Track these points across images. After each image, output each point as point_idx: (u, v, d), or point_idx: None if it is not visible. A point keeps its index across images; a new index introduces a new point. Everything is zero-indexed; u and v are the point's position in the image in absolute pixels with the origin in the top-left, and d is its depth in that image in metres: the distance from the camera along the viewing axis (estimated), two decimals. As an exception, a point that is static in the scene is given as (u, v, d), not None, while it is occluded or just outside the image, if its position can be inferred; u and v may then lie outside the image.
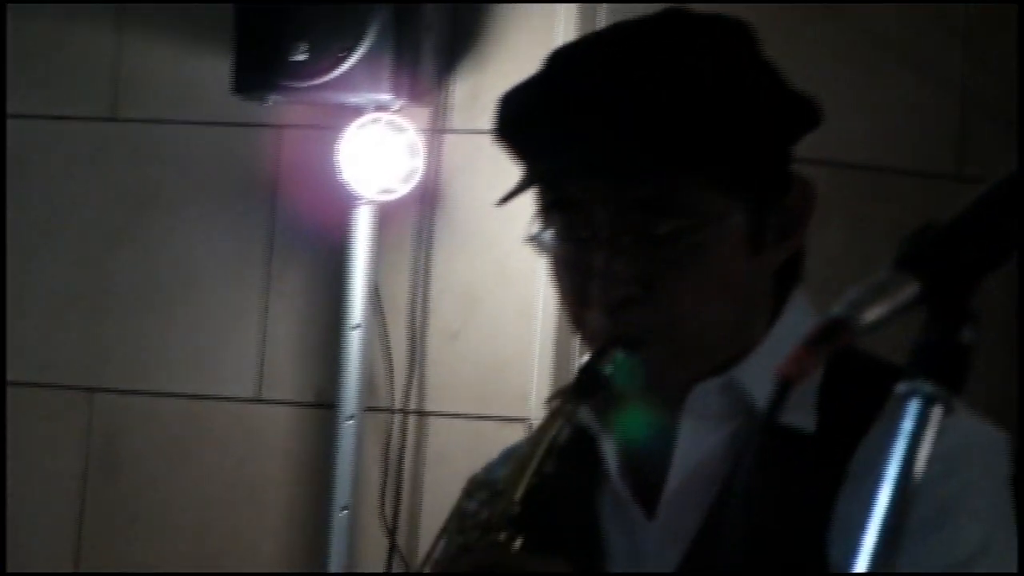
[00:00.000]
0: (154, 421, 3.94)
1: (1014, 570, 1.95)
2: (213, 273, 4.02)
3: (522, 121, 2.03)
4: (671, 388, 1.99)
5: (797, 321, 2.01)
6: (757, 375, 1.97)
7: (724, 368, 1.97)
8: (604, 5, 3.86)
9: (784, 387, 1.12)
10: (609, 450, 2.04)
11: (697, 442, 2.02)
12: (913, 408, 1.12)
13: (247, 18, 3.69)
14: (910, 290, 1.13)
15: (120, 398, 4.00)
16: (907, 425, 1.13)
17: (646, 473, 2.03)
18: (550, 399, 2.00)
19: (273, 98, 3.57)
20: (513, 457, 2.01)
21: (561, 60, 2.03)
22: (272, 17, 3.69)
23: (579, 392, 1.95)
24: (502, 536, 1.92)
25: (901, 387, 1.13)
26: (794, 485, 1.95)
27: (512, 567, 1.92)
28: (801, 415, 1.95)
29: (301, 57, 3.65)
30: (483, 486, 1.99)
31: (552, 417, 1.95)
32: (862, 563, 1.16)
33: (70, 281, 4.09)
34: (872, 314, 1.11)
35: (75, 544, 3.96)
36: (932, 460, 1.71)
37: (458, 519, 1.97)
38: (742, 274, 1.96)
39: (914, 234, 1.16)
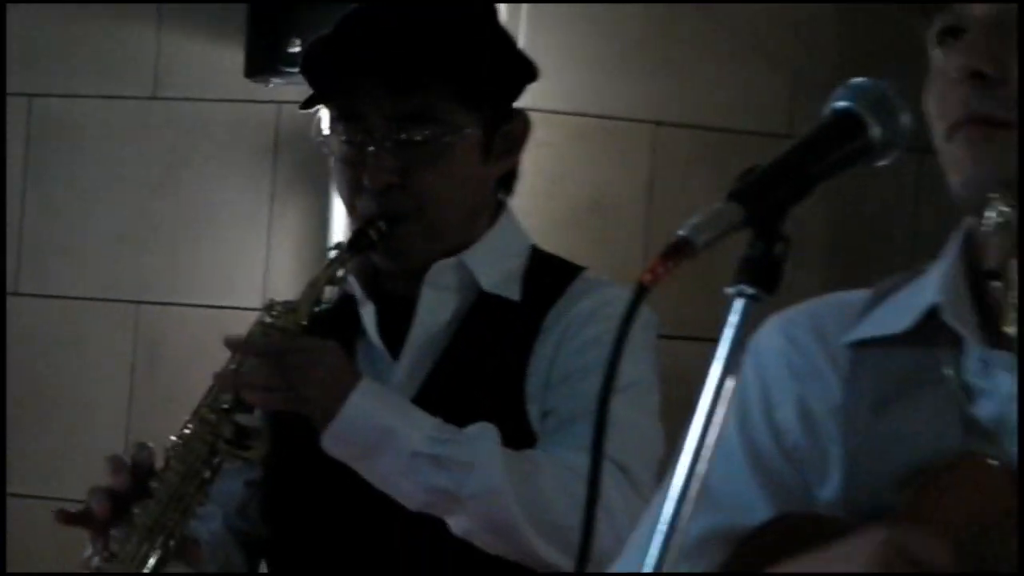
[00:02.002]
0: (186, 326, 4.24)
1: (653, 409, 2.16)
2: (229, 214, 4.33)
3: (322, 57, 2.19)
4: (417, 263, 2.19)
5: (507, 226, 2.28)
6: (480, 260, 2.22)
7: (455, 252, 2.18)
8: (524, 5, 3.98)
9: (641, 291, 1.15)
10: (367, 312, 2.22)
11: (434, 306, 2.21)
12: (739, 305, 1.18)
13: (256, 20, 3.88)
14: (737, 216, 1.18)
15: (160, 309, 4.34)
16: (734, 318, 1.18)
17: (395, 328, 2.22)
18: (330, 249, 2.23)
19: (274, 81, 3.70)
20: (304, 287, 2.16)
21: (350, 16, 2.18)
22: (275, 19, 3.82)
23: (351, 246, 2.15)
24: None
25: (730, 290, 1.18)
26: (503, 336, 2.21)
27: (302, 344, 2.11)
28: (511, 289, 2.22)
29: (296, 49, 3.76)
30: (277, 306, 2.18)
31: (331, 263, 2.17)
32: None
33: (121, 222, 4.39)
34: (709, 234, 1.16)
35: (126, 422, 4.26)
36: (603, 305, 2.11)
37: (260, 327, 2.16)
38: (475, 174, 2.19)
39: (741, 175, 1.21)
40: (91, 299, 4.35)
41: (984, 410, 1.41)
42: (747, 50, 4.16)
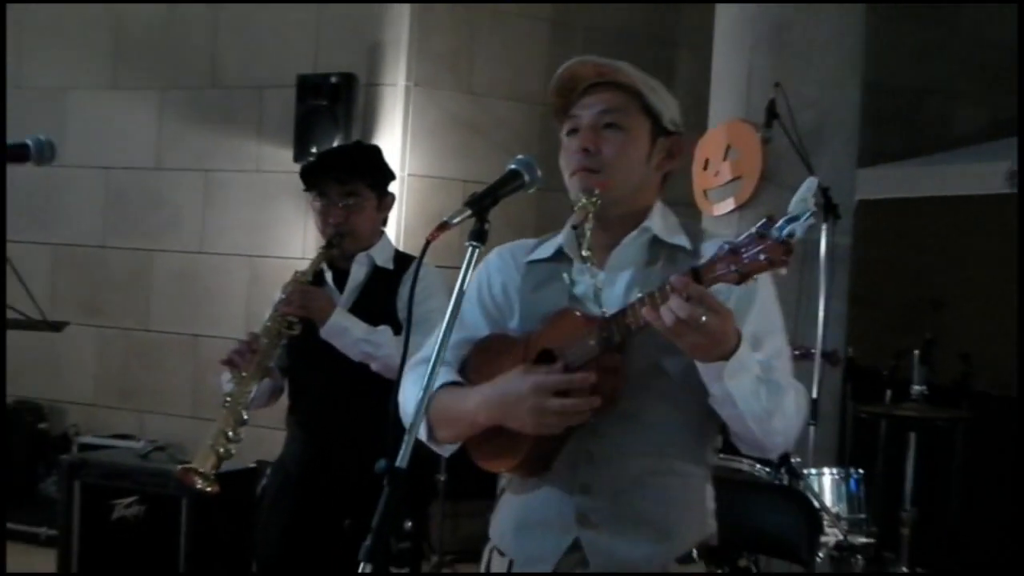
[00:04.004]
0: (272, 269, 5.36)
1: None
2: (290, 220, 5.59)
3: (310, 167, 2.81)
4: (351, 254, 2.76)
5: (385, 239, 2.75)
6: (376, 253, 2.71)
7: (366, 250, 2.78)
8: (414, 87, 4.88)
9: (427, 244, 1.51)
10: (328, 275, 2.84)
11: (358, 272, 2.82)
12: (469, 250, 1.64)
13: (298, 136, 5.37)
14: (467, 212, 1.64)
15: (261, 259, 5.70)
16: (467, 256, 1.60)
17: (341, 281, 2.82)
18: (320, 248, 2.73)
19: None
20: (310, 263, 2.62)
21: (323, 153, 2.77)
22: (306, 136, 5.25)
23: (326, 247, 2.74)
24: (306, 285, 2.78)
25: (466, 243, 1.54)
26: (386, 285, 2.77)
27: (307, 288, 2.72)
28: (389, 264, 2.80)
29: (314, 150, 5.00)
30: (298, 272, 2.71)
31: (319, 254, 2.73)
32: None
33: (247, 221, 5.56)
34: (456, 219, 1.62)
35: (245, 318, 5.25)
36: (425, 274, 2.76)
37: (292, 281, 2.74)
38: (374, 218, 2.85)
39: (470, 196, 1.67)
40: (217, 254, 5.83)
41: (578, 291, 1.95)
42: (499, 144, 5.48)
